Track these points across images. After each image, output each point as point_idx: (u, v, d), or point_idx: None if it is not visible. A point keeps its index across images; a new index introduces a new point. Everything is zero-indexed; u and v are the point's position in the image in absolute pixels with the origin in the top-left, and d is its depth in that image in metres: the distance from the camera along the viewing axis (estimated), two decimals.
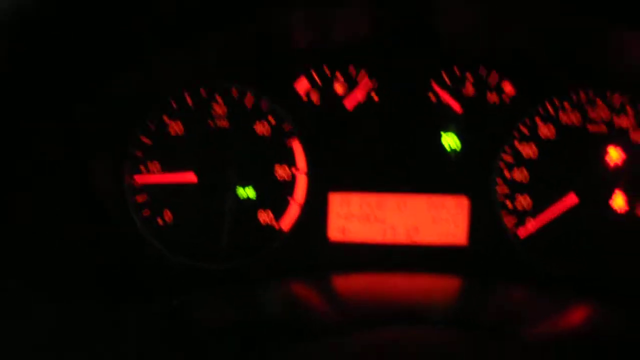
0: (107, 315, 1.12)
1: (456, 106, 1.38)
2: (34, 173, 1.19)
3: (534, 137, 1.37)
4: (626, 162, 1.34)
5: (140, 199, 1.42)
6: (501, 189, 1.37)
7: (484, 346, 0.92)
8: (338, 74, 1.40)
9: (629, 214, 1.34)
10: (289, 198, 1.41)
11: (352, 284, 1.33)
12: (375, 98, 1.39)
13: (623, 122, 1.34)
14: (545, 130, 1.37)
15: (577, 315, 1.15)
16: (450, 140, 1.39)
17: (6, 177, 1.10)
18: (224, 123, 1.40)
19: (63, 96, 1.15)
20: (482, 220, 1.38)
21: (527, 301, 1.22)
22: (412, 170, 1.39)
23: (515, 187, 1.37)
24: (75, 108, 1.23)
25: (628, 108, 1.34)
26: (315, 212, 1.40)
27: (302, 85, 1.41)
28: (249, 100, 1.40)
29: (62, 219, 1.28)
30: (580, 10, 1.05)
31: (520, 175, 1.37)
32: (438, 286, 1.30)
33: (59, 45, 0.99)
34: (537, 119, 1.36)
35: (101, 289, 1.29)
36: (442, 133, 1.38)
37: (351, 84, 1.40)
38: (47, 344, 0.95)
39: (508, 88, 1.37)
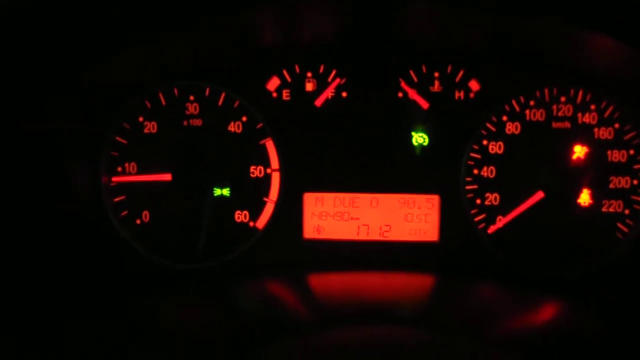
0: (84, 315, 1.14)
1: (423, 103, 1.40)
2: (7, 171, 1.20)
3: (500, 134, 1.40)
4: (590, 158, 1.37)
5: (117, 199, 1.43)
6: (469, 186, 1.41)
7: (452, 345, 0.95)
8: (308, 74, 1.42)
9: (595, 209, 1.38)
10: (264, 197, 1.43)
11: (326, 282, 1.36)
12: (344, 94, 1.41)
13: (587, 118, 1.38)
14: (511, 127, 1.39)
15: (545, 313, 1.19)
16: (419, 139, 1.42)
17: None
18: (197, 122, 1.42)
19: (36, 88, 1.15)
20: (452, 217, 1.41)
21: (497, 299, 1.26)
22: (383, 169, 1.41)
23: (483, 184, 1.40)
24: (47, 104, 1.23)
25: (592, 105, 1.38)
26: (290, 210, 1.42)
27: (273, 85, 1.42)
28: (222, 99, 1.41)
29: (37, 218, 1.28)
30: (533, 10, 1.08)
31: (487, 172, 1.40)
32: (410, 284, 1.34)
33: (33, 34, 0.99)
34: (503, 117, 1.40)
35: (77, 290, 1.29)
36: (412, 133, 1.41)
37: (321, 83, 1.42)
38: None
39: (475, 86, 1.40)
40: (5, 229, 1.19)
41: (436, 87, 1.40)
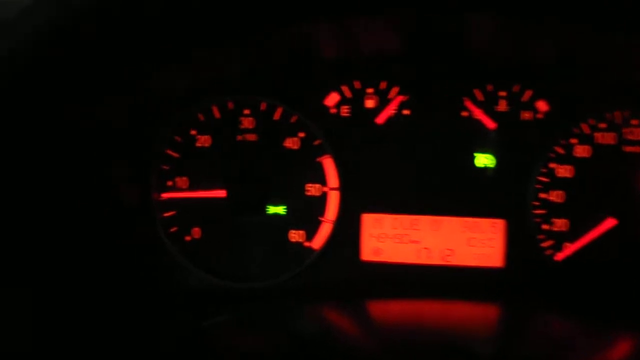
0: (132, 334, 1.08)
1: (489, 122, 1.35)
2: (56, 182, 1.15)
3: (569, 157, 1.34)
4: None
5: (167, 214, 1.38)
6: (537, 210, 1.34)
7: None
8: (369, 90, 1.37)
9: None
10: (320, 217, 1.37)
11: (385, 309, 1.29)
12: (406, 112, 1.36)
13: None
14: (581, 150, 1.34)
15: (621, 346, 1.12)
16: (484, 161, 1.36)
17: (29, 182, 1.06)
18: (252, 137, 1.37)
19: (90, 92, 1.10)
20: (518, 242, 1.34)
21: (569, 331, 1.18)
22: (445, 190, 1.36)
23: (551, 209, 1.34)
24: (99, 113, 1.18)
25: None
26: (347, 231, 1.36)
27: (332, 100, 1.38)
28: (278, 114, 1.37)
29: (83, 230, 1.23)
30: (601, 27, 1.04)
31: (555, 196, 1.34)
32: (475, 314, 1.27)
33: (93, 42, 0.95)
34: (573, 139, 1.34)
35: (125, 306, 1.24)
36: (476, 154, 1.35)
37: (383, 100, 1.37)
38: None
39: (543, 106, 1.34)
40: (51, 241, 1.15)
41: (502, 106, 1.35)
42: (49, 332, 1.04)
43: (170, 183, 1.38)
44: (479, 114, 1.35)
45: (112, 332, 1.09)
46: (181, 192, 1.37)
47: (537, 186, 1.34)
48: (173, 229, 1.38)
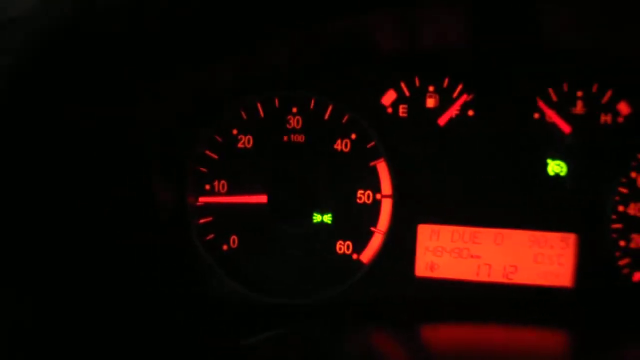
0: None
1: (564, 126, 1.21)
2: (89, 180, 1.05)
3: None
4: None
5: (204, 220, 1.27)
6: (614, 225, 1.21)
7: None
8: (430, 88, 1.24)
9: None
10: (371, 227, 1.25)
11: (442, 334, 1.17)
12: (470, 113, 1.23)
13: None
14: None
15: None
16: (556, 168, 1.23)
17: (62, 183, 0.97)
18: (299, 138, 1.25)
19: (126, 90, 1.00)
20: (591, 260, 1.21)
21: None
22: (512, 201, 1.22)
23: (630, 224, 1.20)
24: (137, 109, 1.08)
25: None
26: (401, 244, 1.24)
27: (389, 99, 1.25)
28: (328, 113, 1.24)
29: (116, 236, 1.13)
30: None
31: (636, 209, 1.20)
32: (542, 341, 1.15)
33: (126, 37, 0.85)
34: None
35: (157, 319, 1.14)
36: (548, 161, 1.22)
37: (445, 99, 1.23)
38: None
39: (624, 109, 1.20)
40: (80, 244, 1.05)
41: (579, 108, 1.21)
42: (73, 336, 0.95)
43: (208, 187, 1.27)
44: (552, 116, 1.21)
45: (138, 343, 1.00)
46: (219, 196, 1.26)
47: (615, 198, 1.20)
48: (209, 237, 1.27)
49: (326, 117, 1.24)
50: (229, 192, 1.26)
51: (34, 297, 0.92)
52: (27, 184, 0.91)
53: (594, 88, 1.21)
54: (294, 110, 1.25)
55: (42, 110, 0.84)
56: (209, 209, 1.27)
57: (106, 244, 1.09)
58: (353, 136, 1.24)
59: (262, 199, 1.25)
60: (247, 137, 1.25)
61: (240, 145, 1.25)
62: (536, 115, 1.22)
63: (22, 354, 0.85)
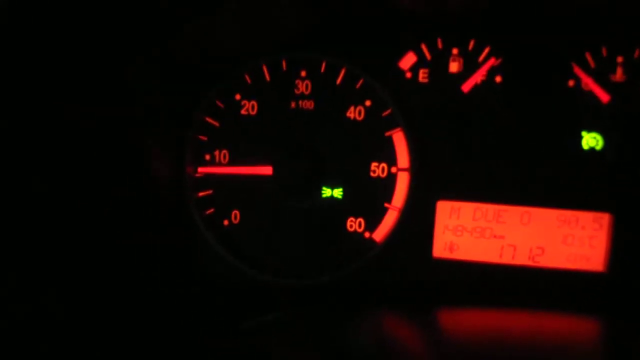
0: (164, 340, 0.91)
1: (603, 95, 1.10)
2: (80, 154, 0.96)
3: None
4: None
5: (203, 193, 1.18)
6: None
7: None
8: (454, 50, 1.13)
9: None
10: (385, 203, 1.16)
11: (461, 320, 1.09)
12: (498, 79, 1.13)
13: None
14: None
15: None
16: (592, 142, 1.12)
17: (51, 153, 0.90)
18: (308, 105, 1.16)
19: (119, 52, 0.92)
20: (625, 242, 1.11)
21: None
22: (541, 176, 1.13)
23: None
24: (129, 73, 0.99)
25: None
26: (418, 221, 1.15)
27: (408, 62, 1.14)
28: (340, 77, 1.14)
29: (107, 209, 1.05)
30: None
31: None
32: (570, 329, 1.06)
33: None
34: None
35: (153, 302, 1.06)
36: (583, 133, 1.12)
37: (470, 63, 1.13)
38: None
39: None
40: (74, 219, 0.97)
41: (618, 75, 1.10)
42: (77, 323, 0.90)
43: (208, 156, 1.18)
44: (589, 84, 1.10)
45: (135, 323, 0.95)
46: (220, 167, 1.18)
47: None
48: (209, 211, 1.19)
49: (338, 81, 1.15)
50: (231, 163, 1.18)
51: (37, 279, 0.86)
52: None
53: (636, 54, 1.10)
54: (303, 74, 1.16)
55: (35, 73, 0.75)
56: (208, 180, 1.18)
57: (101, 223, 1.02)
58: (367, 103, 1.15)
59: (267, 170, 1.16)
60: (251, 102, 1.16)
61: (243, 111, 1.17)
62: (571, 83, 1.11)
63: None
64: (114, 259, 1.03)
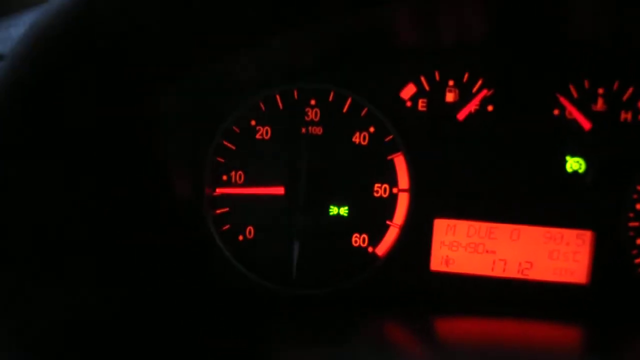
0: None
1: (585, 123, 1.20)
2: (108, 172, 1.05)
3: None
4: None
5: (220, 211, 1.27)
6: (631, 223, 1.20)
7: None
8: (450, 82, 1.23)
9: None
10: (387, 221, 1.25)
11: (456, 329, 1.18)
12: (490, 108, 1.23)
13: None
14: None
15: None
16: (575, 165, 1.22)
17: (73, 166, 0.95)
18: (317, 130, 1.24)
19: (142, 84, 0.99)
20: (606, 257, 1.21)
21: None
22: (529, 197, 1.22)
23: None
24: (153, 102, 1.08)
25: None
26: (417, 238, 1.24)
27: (408, 93, 1.24)
28: (347, 106, 1.23)
29: (134, 225, 1.13)
30: None
31: None
32: (556, 337, 1.15)
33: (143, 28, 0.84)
34: None
35: (169, 311, 1.15)
36: (567, 157, 1.21)
37: (465, 94, 1.23)
38: None
39: None
40: (94, 235, 1.04)
41: (599, 105, 1.20)
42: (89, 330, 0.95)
43: (225, 177, 1.26)
44: (573, 113, 1.20)
45: (149, 328, 1.01)
46: (236, 187, 1.26)
47: (633, 196, 1.20)
48: (225, 227, 1.27)
49: (345, 109, 1.23)
50: (246, 183, 1.26)
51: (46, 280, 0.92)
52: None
53: (615, 85, 1.19)
54: (313, 102, 1.24)
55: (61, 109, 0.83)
56: (225, 199, 1.27)
57: (122, 237, 1.08)
58: (371, 129, 1.23)
59: (279, 190, 1.25)
60: (265, 128, 1.25)
61: (258, 136, 1.25)
62: (556, 112, 1.21)
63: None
64: (138, 268, 1.11)
